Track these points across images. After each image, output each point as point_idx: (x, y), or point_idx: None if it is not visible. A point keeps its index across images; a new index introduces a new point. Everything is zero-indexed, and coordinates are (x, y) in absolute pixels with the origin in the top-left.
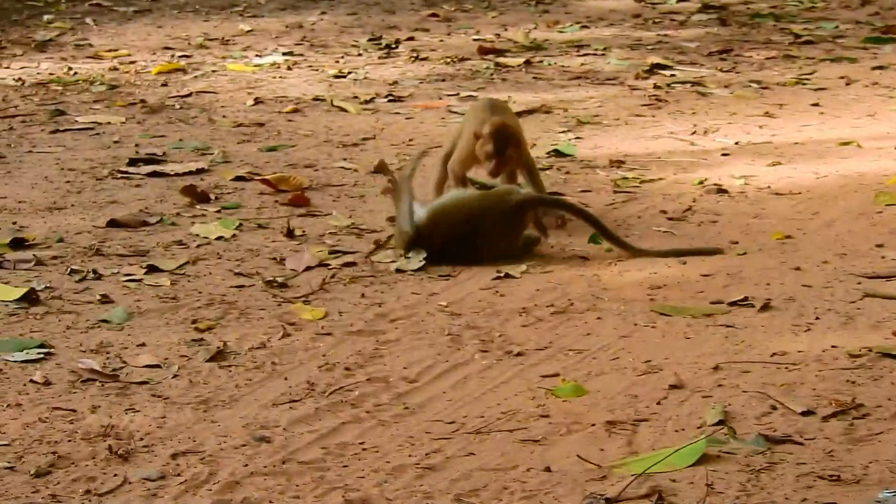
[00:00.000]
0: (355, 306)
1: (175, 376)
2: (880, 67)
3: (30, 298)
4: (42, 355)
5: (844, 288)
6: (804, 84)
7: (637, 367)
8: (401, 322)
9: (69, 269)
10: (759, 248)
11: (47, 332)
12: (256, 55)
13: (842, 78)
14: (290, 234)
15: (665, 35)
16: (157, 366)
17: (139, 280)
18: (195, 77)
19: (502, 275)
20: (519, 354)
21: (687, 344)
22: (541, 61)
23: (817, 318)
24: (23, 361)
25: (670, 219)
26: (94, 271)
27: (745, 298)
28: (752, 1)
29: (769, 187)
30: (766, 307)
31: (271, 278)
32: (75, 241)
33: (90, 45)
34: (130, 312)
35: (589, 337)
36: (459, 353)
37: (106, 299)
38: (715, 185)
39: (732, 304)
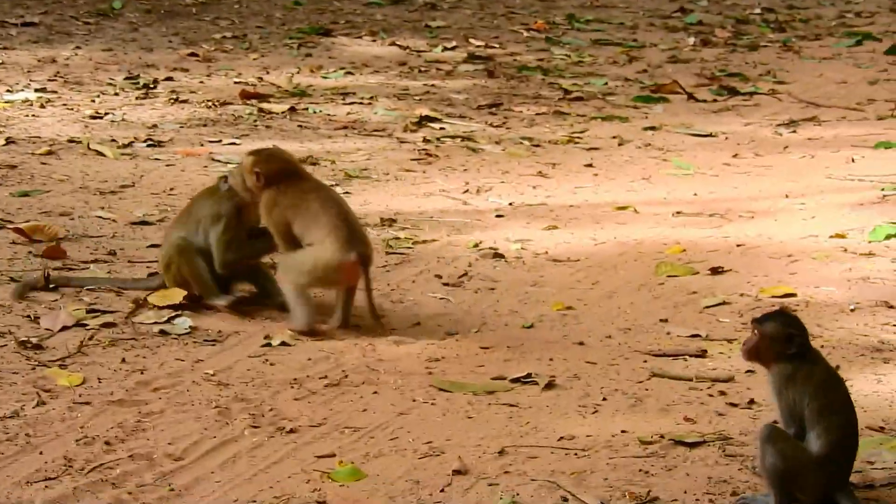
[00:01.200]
0: (115, 372)
1: None
2: (652, 128)
3: None
4: None
5: (630, 366)
6: (576, 143)
7: (418, 448)
8: (164, 391)
9: None
10: (540, 319)
11: None
12: (7, 90)
13: (614, 138)
14: (46, 285)
15: (432, 85)
16: None
17: None
18: None
19: (272, 342)
20: (292, 431)
21: (469, 424)
22: (306, 108)
23: (604, 399)
24: None
25: (446, 284)
26: None
27: (529, 375)
28: (518, 53)
29: (546, 253)
30: (550, 385)
31: (24, 339)
32: None
33: None
34: None
35: (366, 413)
36: (228, 428)
37: None
38: (491, 248)
39: (515, 380)
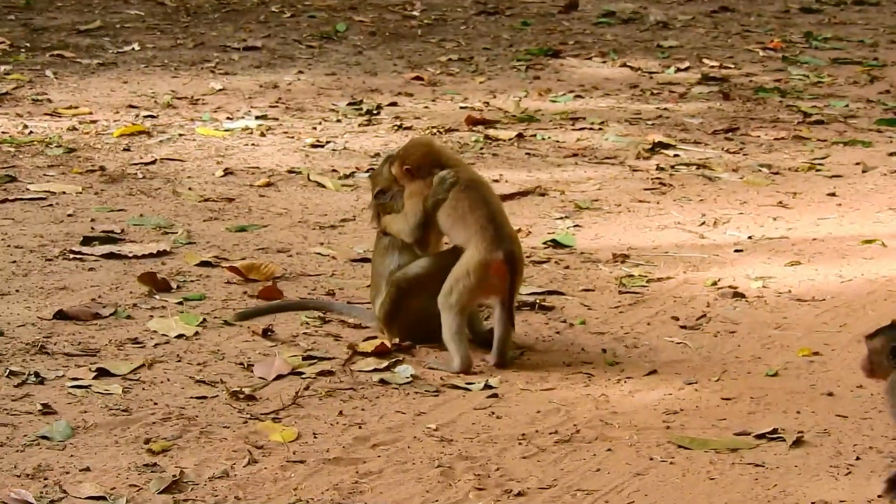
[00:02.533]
0: (332, 426)
1: None
2: None
3: None
4: None
5: (885, 420)
6: (818, 170)
7: None
8: (384, 448)
9: (7, 371)
10: (785, 366)
11: None
12: (228, 117)
13: (857, 164)
14: (265, 334)
15: (665, 108)
16: (103, 498)
17: (87, 386)
18: (160, 141)
19: (498, 393)
20: (520, 494)
21: (712, 486)
22: (534, 135)
23: (858, 458)
24: None
25: (683, 327)
26: (37, 374)
27: (774, 430)
28: (754, 73)
29: (790, 291)
30: (798, 442)
31: (237, 389)
32: (17, 336)
33: (49, 101)
34: (75, 427)
35: (599, 474)
36: (452, 491)
37: (48, 409)
38: (730, 287)
39: (760, 436)
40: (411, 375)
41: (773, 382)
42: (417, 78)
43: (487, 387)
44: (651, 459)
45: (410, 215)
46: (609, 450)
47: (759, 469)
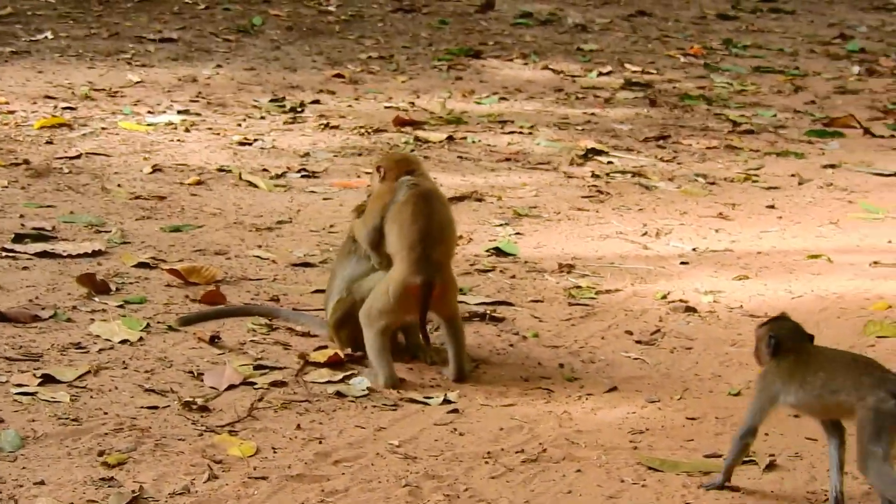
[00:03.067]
0: (291, 441)
1: None
2: (831, 166)
3: None
4: None
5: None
6: (754, 181)
7: None
8: (347, 465)
9: None
10: (747, 385)
11: None
12: (149, 111)
13: (793, 176)
14: (212, 341)
15: (592, 114)
16: None
17: (33, 393)
18: (83, 135)
19: (458, 408)
20: None
21: None
22: (464, 138)
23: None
24: None
25: (638, 342)
26: None
27: None
28: (677, 79)
29: (741, 307)
30: (771, 466)
31: (189, 399)
32: None
33: None
34: (24, 437)
35: (571, 496)
36: None
37: None
38: (681, 300)
39: None
40: (367, 388)
41: (736, 402)
42: (338, 75)
43: (446, 401)
44: (622, 482)
45: (368, 218)
46: (578, 470)
47: (735, 495)
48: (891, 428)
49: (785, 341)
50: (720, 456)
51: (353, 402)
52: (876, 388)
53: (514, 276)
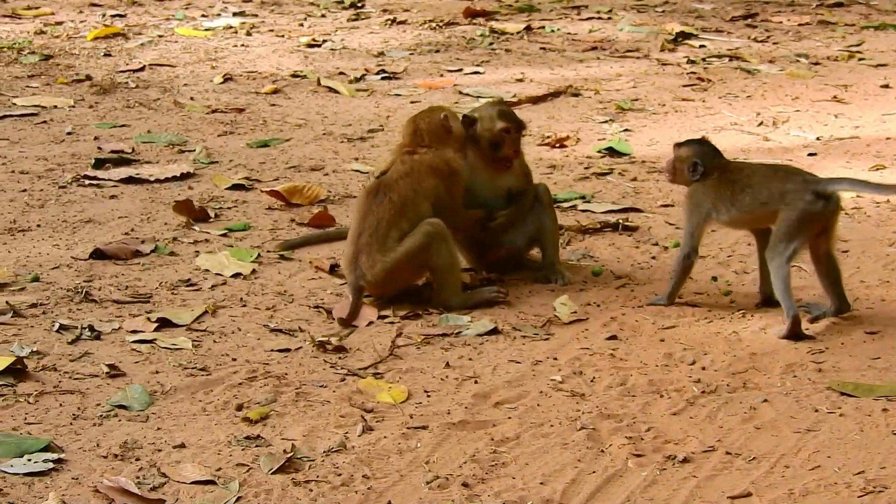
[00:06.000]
0: (443, 382)
1: (239, 499)
2: None
3: (16, 371)
4: (51, 463)
5: None
6: (860, 59)
7: (850, 481)
8: (510, 408)
9: (57, 325)
10: None
11: (49, 424)
12: (203, 15)
13: None
14: (332, 270)
15: None
16: (211, 482)
17: (151, 341)
18: (141, 45)
19: (615, 335)
20: (685, 461)
21: None
22: (542, 27)
23: None
24: (27, 474)
25: None
26: (91, 327)
27: None
28: None
29: (888, 201)
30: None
31: (323, 338)
32: (55, 280)
33: (3, 1)
34: (152, 392)
35: (763, 433)
36: (606, 459)
37: (115, 371)
38: None
39: None
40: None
41: None
42: None
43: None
44: (816, 411)
45: None
46: (765, 400)
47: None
48: (809, 228)
49: (708, 165)
50: None
51: (499, 333)
52: (802, 192)
53: (635, 179)
